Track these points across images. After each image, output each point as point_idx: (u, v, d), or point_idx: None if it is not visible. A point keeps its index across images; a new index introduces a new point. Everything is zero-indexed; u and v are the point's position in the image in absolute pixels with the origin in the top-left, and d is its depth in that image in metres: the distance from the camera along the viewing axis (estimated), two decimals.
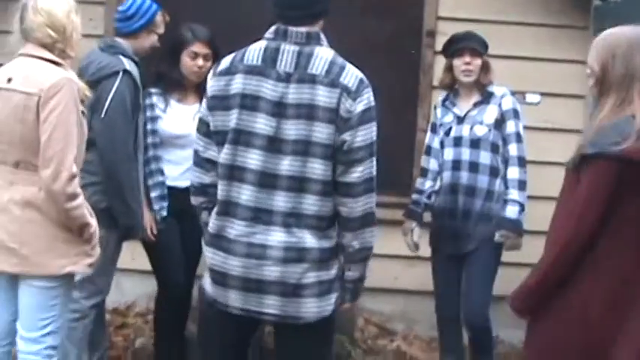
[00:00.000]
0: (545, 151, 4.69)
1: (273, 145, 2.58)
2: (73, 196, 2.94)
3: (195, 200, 2.80)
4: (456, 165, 4.08)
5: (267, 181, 2.60)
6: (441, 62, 4.44)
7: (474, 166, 4.04)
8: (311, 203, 2.60)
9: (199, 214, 2.81)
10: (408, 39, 4.99)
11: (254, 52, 2.65)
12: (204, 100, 2.71)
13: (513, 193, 4.00)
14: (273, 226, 2.60)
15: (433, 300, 4.29)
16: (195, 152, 2.75)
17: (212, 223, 2.69)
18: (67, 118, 2.92)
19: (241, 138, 2.61)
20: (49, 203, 2.95)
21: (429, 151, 4.27)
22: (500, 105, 4.07)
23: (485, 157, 4.03)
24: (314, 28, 2.65)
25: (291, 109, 2.57)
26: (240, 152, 2.61)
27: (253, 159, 2.60)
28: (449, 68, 4.17)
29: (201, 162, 2.73)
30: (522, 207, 4.02)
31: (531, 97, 4.92)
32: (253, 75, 2.61)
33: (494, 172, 4.04)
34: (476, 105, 4.11)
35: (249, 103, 2.60)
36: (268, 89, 2.59)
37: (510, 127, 4.05)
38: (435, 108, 4.35)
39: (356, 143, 2.58)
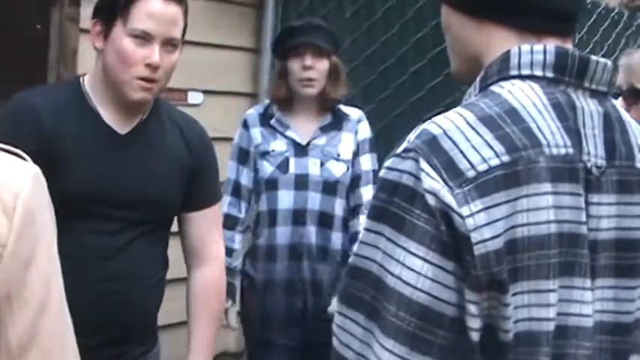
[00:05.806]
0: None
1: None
2: None
3: None
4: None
5: None
6: (88, 46, 2.45)
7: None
8: None
9: None
10: (29, 6, 3.26)
11: (546, 122, 1.09)
12: (436, 254, 1.01)
13: None
14: None
15: None
16: None
17: None
18: (56, 277, 0.93)
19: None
20: None
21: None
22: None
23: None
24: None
25: (607, 254, 1.13)
26: None
27: None
28: (283, 74, 2.99)
29: None
30: None
31: (194, 97, 3.65)
32: (565, 182, 1.08)
33: None
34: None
35: (565, 255, 1.08)
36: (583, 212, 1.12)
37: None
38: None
39: None
